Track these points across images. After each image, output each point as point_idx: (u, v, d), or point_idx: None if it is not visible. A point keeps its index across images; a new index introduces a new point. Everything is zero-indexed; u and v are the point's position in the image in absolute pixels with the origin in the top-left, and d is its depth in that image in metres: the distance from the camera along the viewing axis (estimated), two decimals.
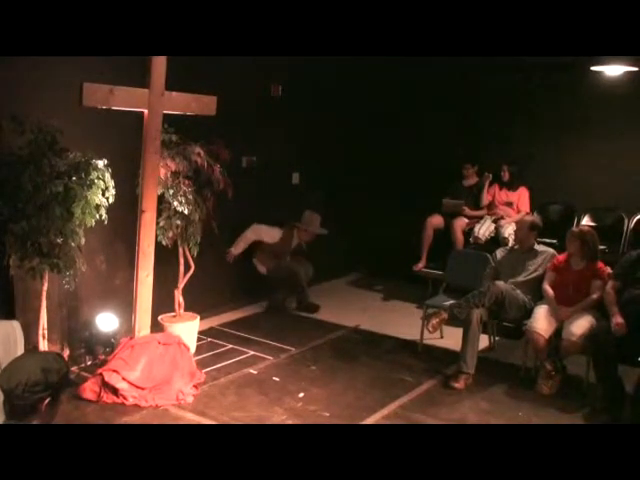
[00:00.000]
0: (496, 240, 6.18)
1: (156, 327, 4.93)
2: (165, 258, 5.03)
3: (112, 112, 4.28)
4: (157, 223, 4.71)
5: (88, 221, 4.16)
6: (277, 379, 4.80)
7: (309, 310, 6.37)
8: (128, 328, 4.76)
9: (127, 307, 4.77)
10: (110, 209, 4.28)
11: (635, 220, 6.05)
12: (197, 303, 5.46)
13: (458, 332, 4.98)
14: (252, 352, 5.29)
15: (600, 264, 4.75)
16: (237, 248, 6.17)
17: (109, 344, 4.80)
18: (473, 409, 4.41)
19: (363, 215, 7.55)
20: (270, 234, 6.28)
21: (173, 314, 5.23)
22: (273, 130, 6.42)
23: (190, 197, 4.84)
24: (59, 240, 4.07)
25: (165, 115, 4.48)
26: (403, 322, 6.10)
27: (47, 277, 4.20)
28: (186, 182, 4.84)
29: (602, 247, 5.04)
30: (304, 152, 6.82)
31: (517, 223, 5.52)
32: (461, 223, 6.51)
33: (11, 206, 3.96)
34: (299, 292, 6.41)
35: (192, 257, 5.10)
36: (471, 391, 4.67)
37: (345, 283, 7.51)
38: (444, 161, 6.81)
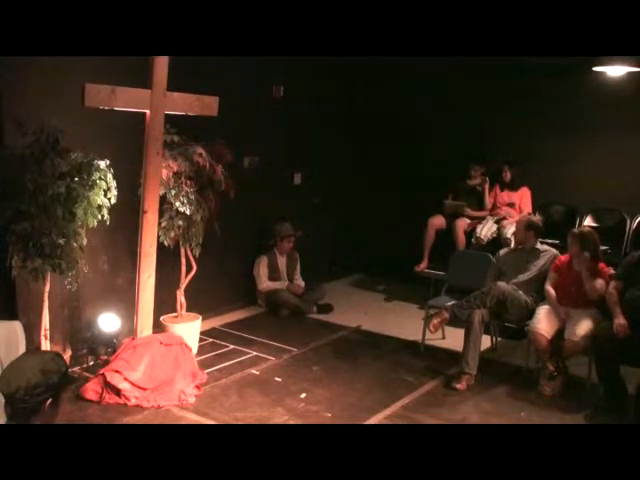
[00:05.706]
0: (498, 241, 6.17)
1: (158, 327, 4.94)
2: (167, 259, 5.04)
3: (114, 113, 4.28)
4: (159, 224, 4.72)
5: (90, 222, 4.17)
6: (279, 380, 4.80)
7: (326, 312, 6.39)
8: (130, 328, 4.76)
9: (129, 307, 4.77)
10: (112, 210, 4.29)
11: (637, 221, 6.03)
12: (199, 303, 5.46)
13: (460, 333, 4.97)
14: (254, 353, 5.29)
15: (602, 265, 4.75)
16: (262, 284, 6.34)
17: (111, 344, 4.80)
18: (475, 410, 4.41)
19: (365, 215, 7.55)
20: (263, 262, 6.39)
21: (175, 314, 5.23)
22: (275, 130, 6.41)
23: (192, 197, 4.85)
24: (61, 241, 4.08)
25: (167, 115, 4.49)
26: (405, 323, 6.10)
27: (49, 278, 4.21)
28: (188, 183, 4.85)
29: (604, 248, 5.03)
30: (306, 152, 6.82)
31: (515, 224, 5.51)
32: (463, 224, 6.51)
33: (13, 207, 3.97)
34: (315, 300, 6.47)
35: (194, 258, 5.10)
36: (473, 392, 4.67)
37: (347, 284, 7.50)
38: (446, 162, 6.80)
